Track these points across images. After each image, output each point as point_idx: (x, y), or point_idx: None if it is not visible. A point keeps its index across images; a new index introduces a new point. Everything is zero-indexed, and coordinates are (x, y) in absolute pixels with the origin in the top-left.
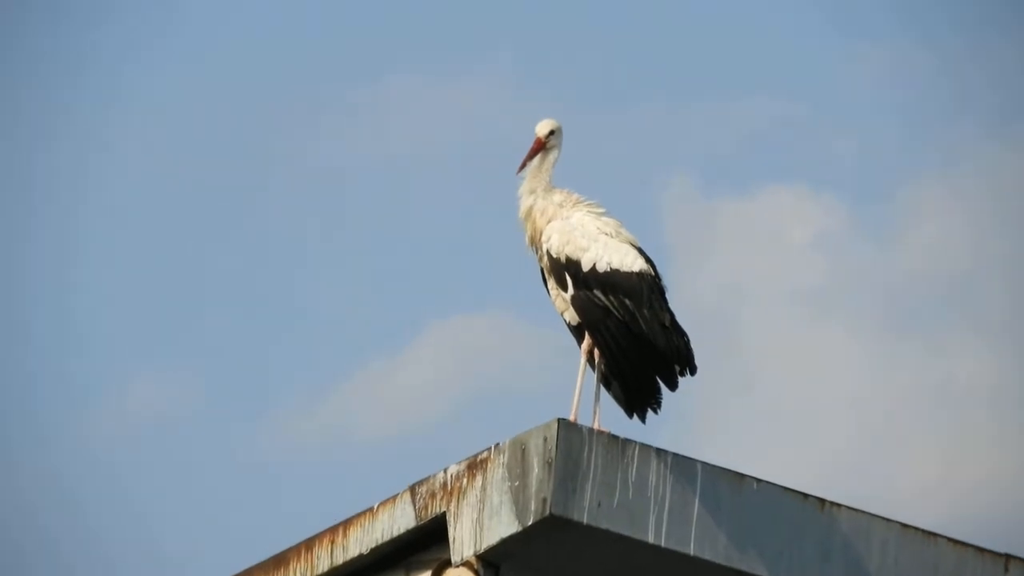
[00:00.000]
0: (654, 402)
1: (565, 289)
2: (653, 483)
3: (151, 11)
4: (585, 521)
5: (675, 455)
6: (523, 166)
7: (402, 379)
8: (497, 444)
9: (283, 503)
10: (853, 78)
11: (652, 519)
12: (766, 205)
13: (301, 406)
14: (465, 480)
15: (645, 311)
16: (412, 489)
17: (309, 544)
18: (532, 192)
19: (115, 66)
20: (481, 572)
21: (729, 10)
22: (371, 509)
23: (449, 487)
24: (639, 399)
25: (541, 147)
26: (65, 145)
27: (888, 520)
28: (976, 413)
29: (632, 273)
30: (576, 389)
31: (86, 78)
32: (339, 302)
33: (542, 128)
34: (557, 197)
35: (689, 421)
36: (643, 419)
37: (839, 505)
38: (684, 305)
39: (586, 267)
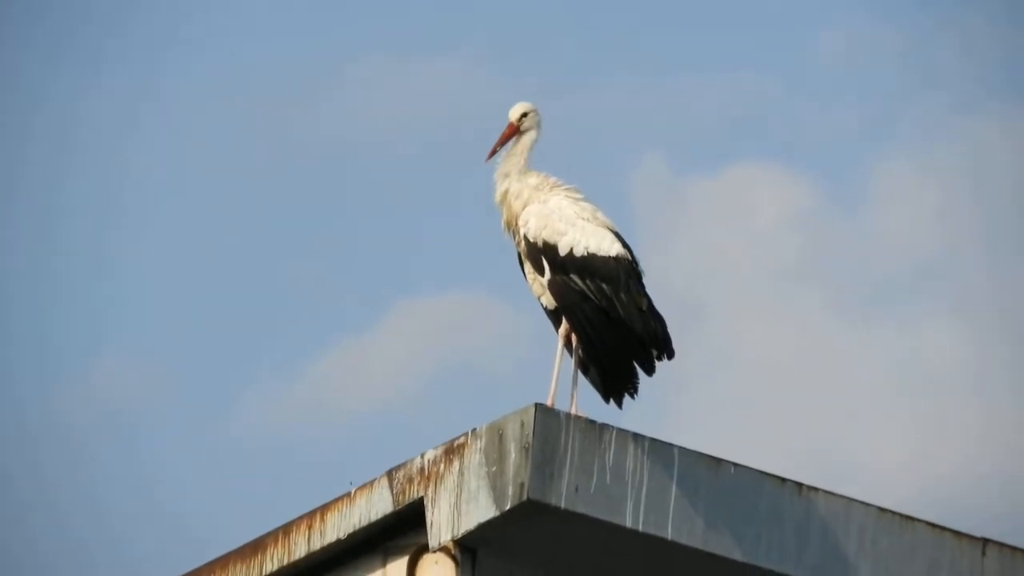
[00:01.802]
0: (631, 387)
1: (542, 274)
2: (630, 468)
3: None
4: (563, 506)
5: (652, 440)
6: (493, 152)
7: (373, 359)
8: (474, 429)
9: (258, 486)
10: (824, 55)
11: (630, 504)
12: (737, 183)
13: (273, 387)
14: (442, 465)
15: (622, 296)
16: (389, 474)
17: (287, 529)
18: (507, 176)
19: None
20: (458, 557)
21: None
22: (348, 494)
23: (426, 472)
24: (616, 384)
25: (514, 132)
26: (43, 131)
27: (866, 504)
28: (950, 391)
29: (609, 258)
30: (553, 374)
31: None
32: (308, 281)
33: (514, 112)
34: (533, 180)
35: (662, 402)
36: (619, 404)
37: (817, 489)
38: (654, 284)
39: (563, 252)
